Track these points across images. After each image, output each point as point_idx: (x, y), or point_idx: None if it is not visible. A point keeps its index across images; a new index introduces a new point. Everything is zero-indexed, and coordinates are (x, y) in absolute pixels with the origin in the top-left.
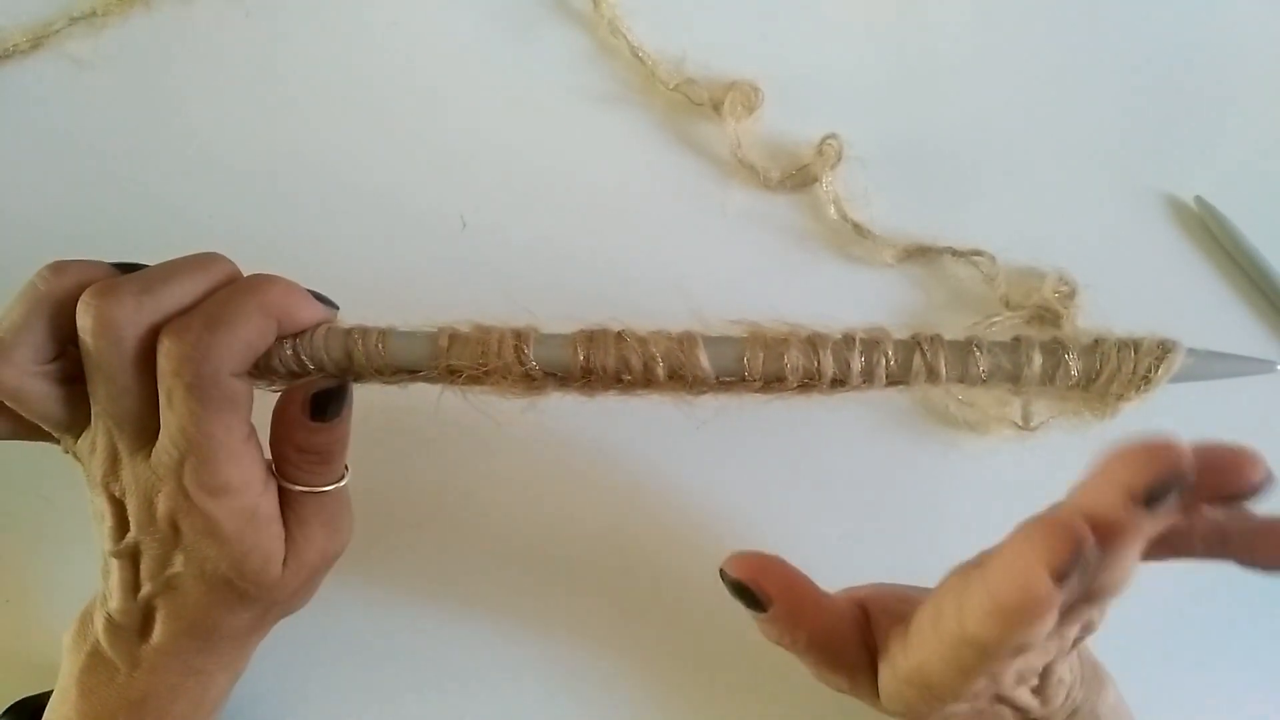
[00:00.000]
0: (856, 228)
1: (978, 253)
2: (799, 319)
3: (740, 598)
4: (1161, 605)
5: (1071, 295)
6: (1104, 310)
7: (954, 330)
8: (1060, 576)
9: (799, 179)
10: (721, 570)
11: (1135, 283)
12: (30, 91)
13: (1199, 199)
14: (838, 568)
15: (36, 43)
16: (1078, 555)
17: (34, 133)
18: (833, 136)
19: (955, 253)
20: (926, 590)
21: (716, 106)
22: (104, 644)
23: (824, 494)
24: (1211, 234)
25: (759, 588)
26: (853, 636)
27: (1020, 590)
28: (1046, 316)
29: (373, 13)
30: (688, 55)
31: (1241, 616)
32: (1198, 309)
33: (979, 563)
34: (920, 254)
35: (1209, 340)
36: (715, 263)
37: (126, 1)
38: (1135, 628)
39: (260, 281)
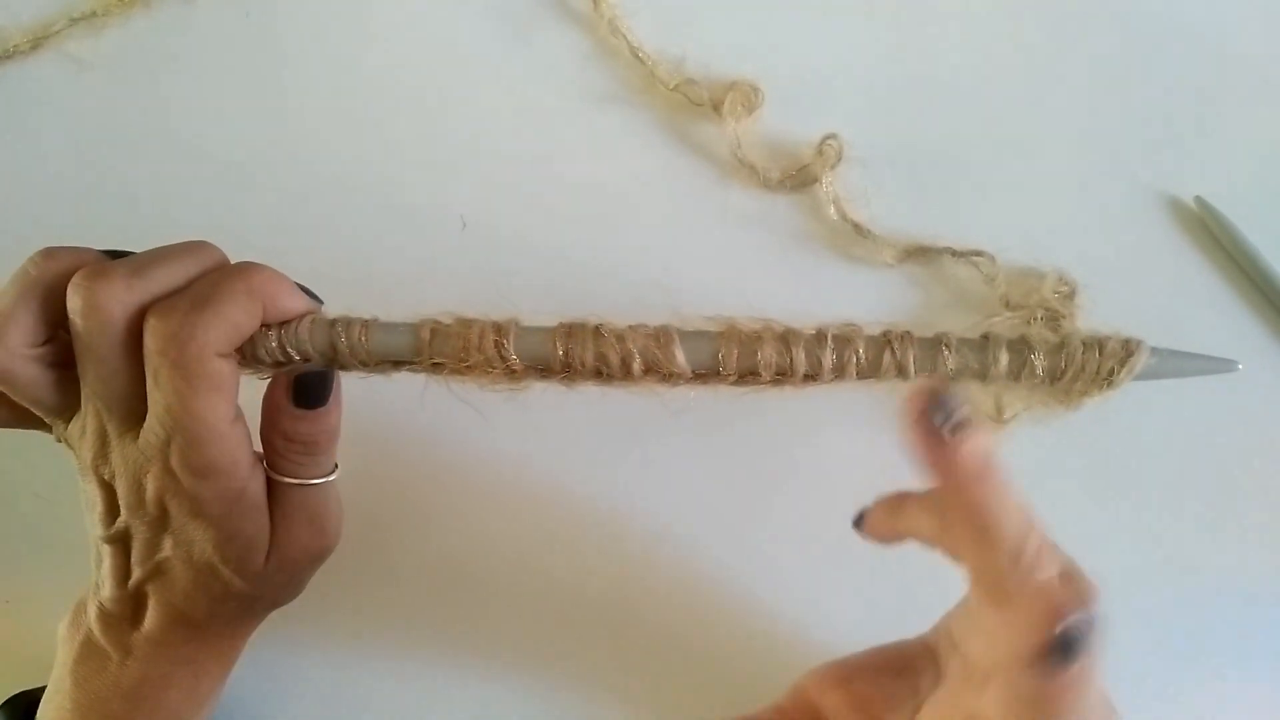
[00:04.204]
0: (856, 228)
1: (978, 253)
2: (799, 319)
3: None
4: (1157, 612)
5: (1071, 295)
6: (1104, 310)
7: (953, 331)
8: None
9: (799, 179)
10: None
11: (1135, 283)
12: (30, 91)
13: (1199, 199)
14: (834, 568)
15: (36, 43)
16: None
17: (34, 133)
18: (833, 136)
19: (955, 253)
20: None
21: (716, 106)
22: (96, 633)
23: (823, 494)
24: (1211, 234)
25: None
26: None
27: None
28: (1046, 316)
29: (372, 13)
30: (688, 55)
31: (1238, 624)
32: (1198, 309)
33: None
34: (920, 254)
35: (1208, 342)
36: (715, 263)
37: (126, 1)
38: (1132, 635)
39: (247, 266)
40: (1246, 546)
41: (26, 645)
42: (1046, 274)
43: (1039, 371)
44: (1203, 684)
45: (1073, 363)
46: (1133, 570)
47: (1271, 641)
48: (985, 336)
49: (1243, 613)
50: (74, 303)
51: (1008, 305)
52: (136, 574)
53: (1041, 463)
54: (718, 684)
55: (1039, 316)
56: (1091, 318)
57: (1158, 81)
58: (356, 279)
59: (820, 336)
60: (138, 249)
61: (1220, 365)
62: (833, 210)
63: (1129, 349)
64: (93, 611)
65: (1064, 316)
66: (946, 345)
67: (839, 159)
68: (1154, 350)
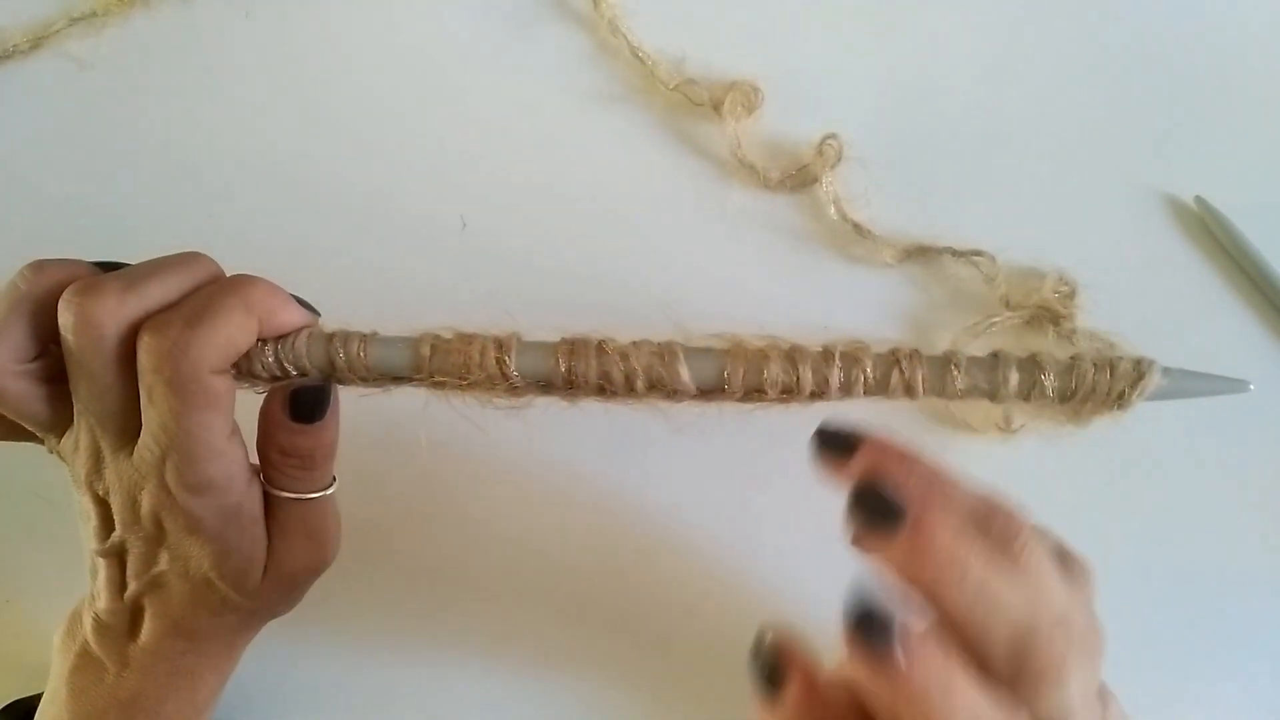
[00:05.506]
0: (856, 228)
1: (978, 253)
2: (799, 318)
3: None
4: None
5: (1071, 295)
6: (1104, 310)
7: (953, 330)
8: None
9: (799, 179)
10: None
11: (1135, 283)
12: (30, 91)
13: (1199, 199)
14: (834, 566)
15: (36, 43)
16: None
17: (34, 133)
18: (833, 136)
19: (955, 253)
20: None
21: (716, 106)
22: (93, 644)
23: (823, 492)
24: (1211, 234)
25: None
26: None
27: None
28: (1047, 316)
29: (373, 13)
30: (688, 55)
31: (1232, 624)
32: (1198, 309)
33: None
34: (920, 254)
35: (1208, 341)
36: (715, 263)
37: (126, 1)
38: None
39: (242, 281)
40: (1245, 544)
41: (26, 650)
42: (1046, 274)
43: (1049, 392)
44: (1204, 684)
45: (1083, 384)
46: (1131, 570)
47: (1272, 642)
48: (995, 355)
49: (1243, 613)
50: (65, 319)
51: (1008, 305)
52: (133, 587)
53: (1041, 461)
54: (720, 690)
55: (1047, 330)
56: (1092, 318)
57: (1158, 81)
58: (357, 278)
59: (827, 354)
60: (137, 249)
61: (1232, 385)
62: (833, 210)
63: (1140, 370)
64: (88, 623)
65: (1064, 316)
66: (956, 364)
67: (839, 159)
68: (1166, 371)
